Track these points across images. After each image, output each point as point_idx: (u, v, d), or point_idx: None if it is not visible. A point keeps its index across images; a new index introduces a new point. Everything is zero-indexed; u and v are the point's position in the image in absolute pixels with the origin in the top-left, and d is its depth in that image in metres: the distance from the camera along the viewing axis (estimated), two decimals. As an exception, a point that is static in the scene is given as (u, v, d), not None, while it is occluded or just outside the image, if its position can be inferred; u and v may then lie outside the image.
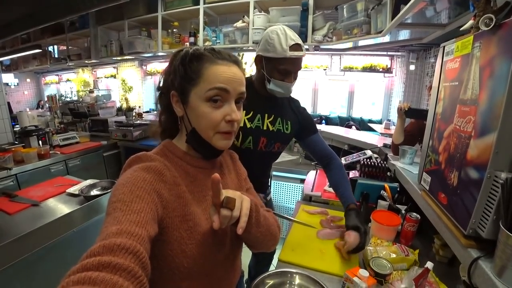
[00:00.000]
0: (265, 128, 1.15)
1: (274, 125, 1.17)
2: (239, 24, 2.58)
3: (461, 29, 0.80)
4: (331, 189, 1.64)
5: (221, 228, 0.53)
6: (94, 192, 1.73)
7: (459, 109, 0.78)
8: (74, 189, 1.72)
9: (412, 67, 3.20)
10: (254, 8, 2.46)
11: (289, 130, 1.21)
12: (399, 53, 3.60)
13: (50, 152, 2.64)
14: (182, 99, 0.63)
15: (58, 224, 1.43)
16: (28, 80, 6.11)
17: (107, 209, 0.49)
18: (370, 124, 4.26)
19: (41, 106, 5.72)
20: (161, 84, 0.69)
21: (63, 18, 1.55)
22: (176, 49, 0.74)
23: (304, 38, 2.30)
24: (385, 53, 3.80)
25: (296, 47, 1.02)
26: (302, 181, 2.25)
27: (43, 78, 6.33)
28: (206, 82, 0.60)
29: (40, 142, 2.66)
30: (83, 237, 1.53)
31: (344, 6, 2.02)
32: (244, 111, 1.09)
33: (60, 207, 1.56)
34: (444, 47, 0.90)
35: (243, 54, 4.40)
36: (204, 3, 2.66)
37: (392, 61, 3.92)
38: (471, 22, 0.77)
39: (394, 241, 1.09)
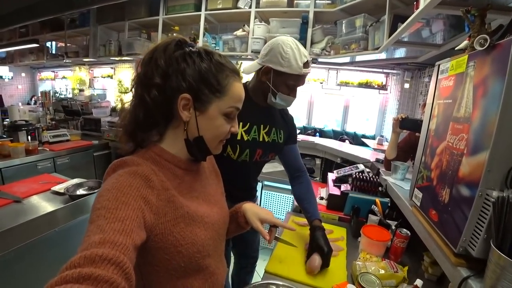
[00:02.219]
0: (261, 139, 1.13)
1: (269, 135, 1.16)
2: (239, 32, 2.61)
3: (456, 48, 0.82)
4: (321, 202, 1.63)
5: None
6: (80, 191, 1.68)
7: (452, 127, 0.79)
8: (59, 187, 1.66)
9: (406, 85, 3.28)
10: (255, 17, 2.50)
11: (282, 140, 1.20)
12: (394, 71, 3.69)
13: (39, 148, 2.57)
14: (196, 106, 0.60)
15: (40, 222, 1.37)
16: (23, 74, 6.02)
17: (91, 216, 0.47)
18: (363, 139, 4.29)
19: (34, 102, 5.63)
20: (156, 78, 0.58)
21: (61, 13, 1.53)
22: (172, 37, 0.62)
23: (303, 50, 2.33)
24: (380, 70, 3.89)
25: (306, 63, 1.01)
26: (294, 192, 2.23)
27: (38, 74, 6.24)
28: (230, 99, 0.63)
29: (29, 137, 2.60)
30: (65, 237, 1.47)
31: (343, 22, 2.07)
32: (241, 123, 1.06)
33: (43, 205, 1.50)
34: (439, 65, 0.92)
35: (241, 63, 4.45)
36: (206, 10, 2.69)
37: (388, 78, 4.00)
38: (466, 42, 0.79)
39: (383, 257, 1.07)
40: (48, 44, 3.96)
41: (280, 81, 1.03)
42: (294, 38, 2.02)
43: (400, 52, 2.69)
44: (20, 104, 5.09)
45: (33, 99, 5.84)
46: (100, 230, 0.43)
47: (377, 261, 1.01)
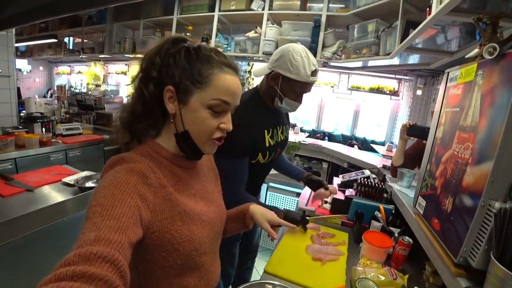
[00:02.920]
0: (279, 140, 1.21)
1: (283, 133, 1.24)
2: (251, 34, 2.63)
3: (466, 56, 0.81)
4: (325, 206, 1.62)
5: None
6: (89, 184, 1.72)
7: (459, 135, 0.78)
8: (69, 179, 1.72)
9: (419, 92, 3.22)
10: (267, 19, 2.51)
11: (289, 133, 1.31)
12: (407, 77, 3.64)
13: (52, 140, 2.65)
14: (179, 98, 0.60)
15: (49, 211, 1.42)
16: (41, 68, 6.23)
17: (86, 213, 0.47)
18: (372, 145, 4.24)
19: (50, 95, 5.81)
20: (153, 73, 0.60)
21: (81, 11, 1.58)
22: (170, 35, 0.65)
23: (314, 54, 2.32)
24: (393, 76, 3.84)
25: (315, 72, 1.05)
26: (298, 194, 2.23)
27: (55, 68, 6.45)
28: (213, 91, 0.59)
29: (44, 129, 2.68)
30: (73, 227, 1.52)
31: (355, 26, 2.05)
32: (265, 131, 1.13)
33: (53, 195, 1.55)
34: (448, 73, 0.91)
35: (252, 64, 4.47)
36: (219, 11, 2.72)
37: (400, 84, 3.95)
38: (476, 50, 0.78)
39: (384, 264, 1.06)
40: (66, 39, 4.09)
41: (287, 87, 1.07)
42: (307, 41, 2.04)
43: (414, 58, 2.65)
44: (36, 96, 5.25)
45: (49, 92, 6.03)
46: (95, 227, 0.43)
47: (377, 267, 1.00)
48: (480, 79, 0.71)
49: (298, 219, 1.16)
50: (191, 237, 0.61)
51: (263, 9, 2.53)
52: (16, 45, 3.19)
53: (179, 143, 0.64)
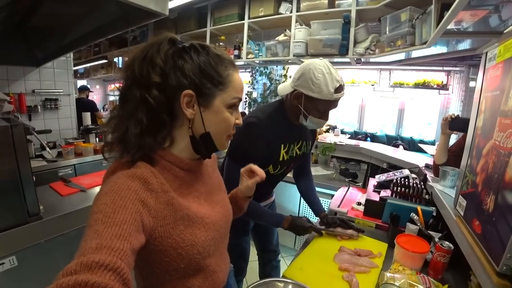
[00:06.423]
0: (295, 155, 1.20)
1: (301, 149, 1.23)
2: (281, 37, 2.63)
3: (505, 31, 0.70)
4: (359, 207, 1.52)
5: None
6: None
7: (500, 122, 0.67)
8: (116, 181, 1.91)
9: (472, 84, 2.87)
10: (296, 21, 2.49)
11: (310, 149, 1.30)
12: (457, 69, 3.26)
13: (105, 148, 2.96)
14: (200, 101, 0.58)
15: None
16: (98, 86, 7.06)
17: (88, 220, 0.46)
18: (420, 145, 3.87)
19: (105, 110, 6.54)
20: (154, 77, 0.55)
21: (121, 31, 1.76)
22: (163, 35, 0.59)
23: (345, 51, 2.24)
24: (440, 68, 3.48)
25: (339, 88, 1.01)
26: (332, 196, 2.13)
27: (109, 86, 7.25)
28: (233, 90, 0.61)
29: (97, 139, 3.01)
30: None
31: (388, 17, 1.92)
32: (282, 145, 1.13)
33: (102, 195, 1.76)
34: (486, 52, 0.80)
35: (288, 68, 4.45)
36: (249, 18, 2.78)
37: (449, 77, 3.56)
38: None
39: (420, 272, 0.95)
40: (116, 59, 4.57)
41: (311, 106, 1.04)
42: (337, 39, 2.00)
43: (464, 45, 2.36)
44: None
45: (105, 107, 6.78)
46: (97, 235, 0.42)
47: (410, 274, 0.89)
48: (520, 55, 0.61)
49: (306, 226, 1.18)
50: (194, 241, 0.60)
51: (291, 12, 2.52)
52: (74, 68, 3.67)
53: (197, 145, 0.62)
